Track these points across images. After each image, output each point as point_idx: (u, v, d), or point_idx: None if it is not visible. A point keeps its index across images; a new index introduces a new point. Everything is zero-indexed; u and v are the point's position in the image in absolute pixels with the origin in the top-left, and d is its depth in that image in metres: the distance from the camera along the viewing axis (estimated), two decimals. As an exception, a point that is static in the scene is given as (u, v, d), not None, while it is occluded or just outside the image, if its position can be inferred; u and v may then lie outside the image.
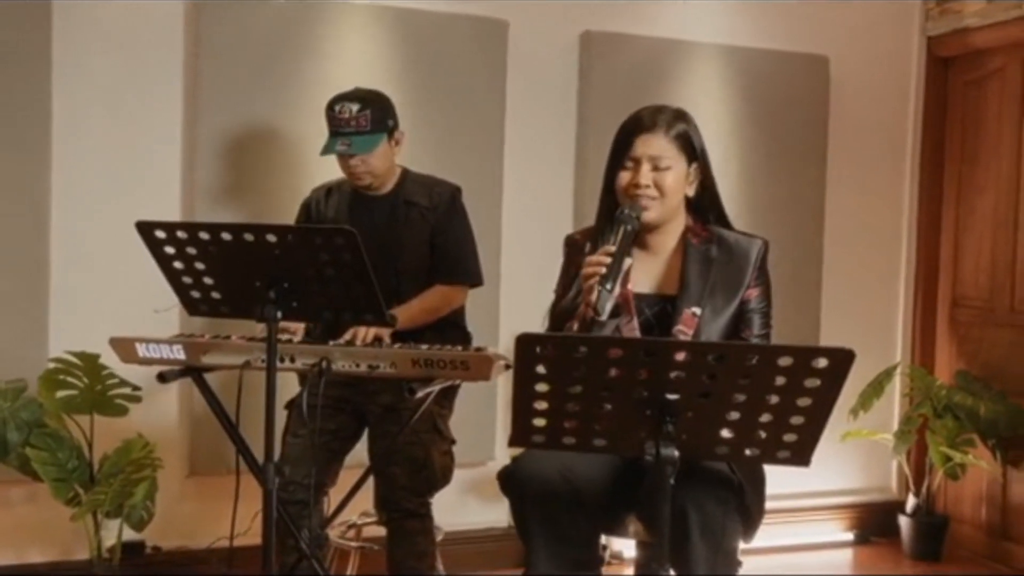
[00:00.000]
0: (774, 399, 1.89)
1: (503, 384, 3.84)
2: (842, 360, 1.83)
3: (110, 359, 2.99)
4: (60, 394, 3.38)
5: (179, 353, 2.74)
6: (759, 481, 2.39)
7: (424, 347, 2.73)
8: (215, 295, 2.55)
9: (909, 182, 4.83)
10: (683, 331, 2.38)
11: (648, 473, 2.02)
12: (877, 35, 4.73)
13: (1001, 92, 4.52)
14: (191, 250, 2.46)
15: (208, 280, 2.52)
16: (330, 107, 3.09)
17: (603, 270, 2.23)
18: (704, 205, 2.51)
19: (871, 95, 4.73)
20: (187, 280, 2.53)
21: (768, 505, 2.43)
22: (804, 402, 1.89)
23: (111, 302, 3.61)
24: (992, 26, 4.47)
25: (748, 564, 2.35)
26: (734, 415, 1.92)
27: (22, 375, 3.42)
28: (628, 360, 1.89)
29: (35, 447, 3.32)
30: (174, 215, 3.69)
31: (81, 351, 3.36)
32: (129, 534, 3.53)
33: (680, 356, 1.87)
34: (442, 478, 3.14)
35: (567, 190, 4.25)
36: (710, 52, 4.39)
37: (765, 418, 1.92)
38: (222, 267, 2.48)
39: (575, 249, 2.54)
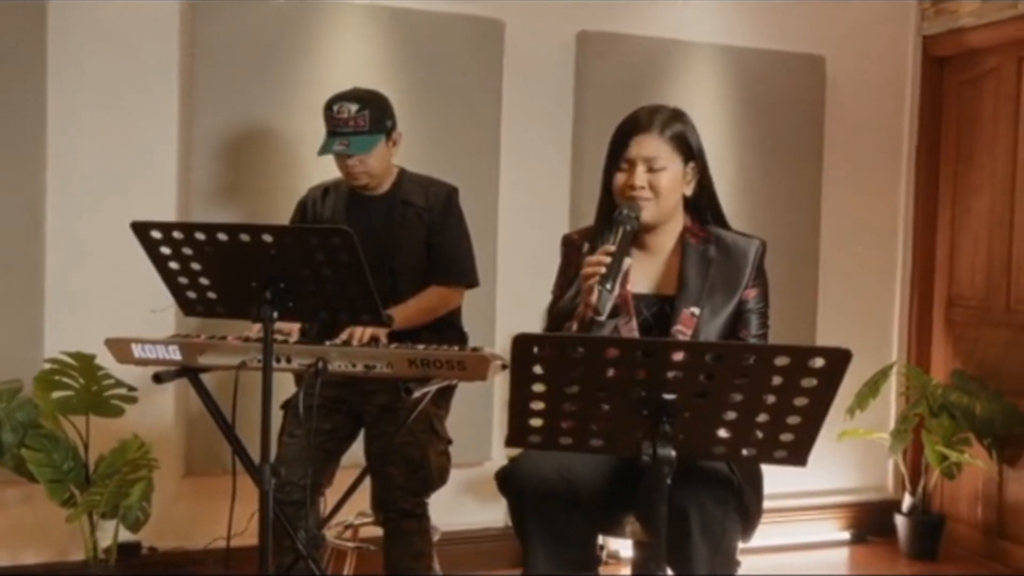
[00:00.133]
0: (771, 399, 1.89)
1: (500, 384, 3.84)
2: (839, 360, 1.83)
3: (106, 360, 2.99)
4: (56, 395, 3.37)
5: (175, 354, 2.74)
6: (757, 481, 2.39)
7: (420, 347, 2.73)
8: (211, 295, 2.54)
9: (905, 181, 4.84)
10: (682, 331, 2.38)
11: (646, 473, 2.02)
12: (873, 35, 4.73)
13: (996, 92, 4.52)
14: (187, 250, 2.45)
15: (204, 280, 2.51)
16: (328, 106, 3.08)
17: (603, 270, 2.23)
18: (702, 205, 2.51)
19: (867, 95, 4.74)
20: (183, 280, 2.52)
21: (765, 504, 2.43)
22: (801, 402, 1.89)
23: (107, 303, 3.61)
24: (987, 26, 4.47)
25: (745, 564, 2.36)
26: (731, 415, 1.92)
27: (17, 376, 3.41)
28: (625, 360, 1.89)
29: (30, 448, 3.31)
30: (170, 215, 3.69)
31: (77, 352, 3.35)
32: (125, 535, 3.52)
33: (677, 356, 1.87)
34: (439, 478, 3.14)
35: (564, 190, 4.25)
36: (706, 52, 4.39)
37: (762, 418, 1.92)
38: (218, 267, 2.48)
39: (572, 249, 2.54)
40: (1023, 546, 4.35)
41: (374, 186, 3.17)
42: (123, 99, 3.66)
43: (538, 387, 1.92)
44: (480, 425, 4.03)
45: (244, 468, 2.67)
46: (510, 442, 2.04)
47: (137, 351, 2.76)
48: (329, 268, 2.42)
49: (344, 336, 2.87)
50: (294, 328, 2.97)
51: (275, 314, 2.43)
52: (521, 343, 1.87)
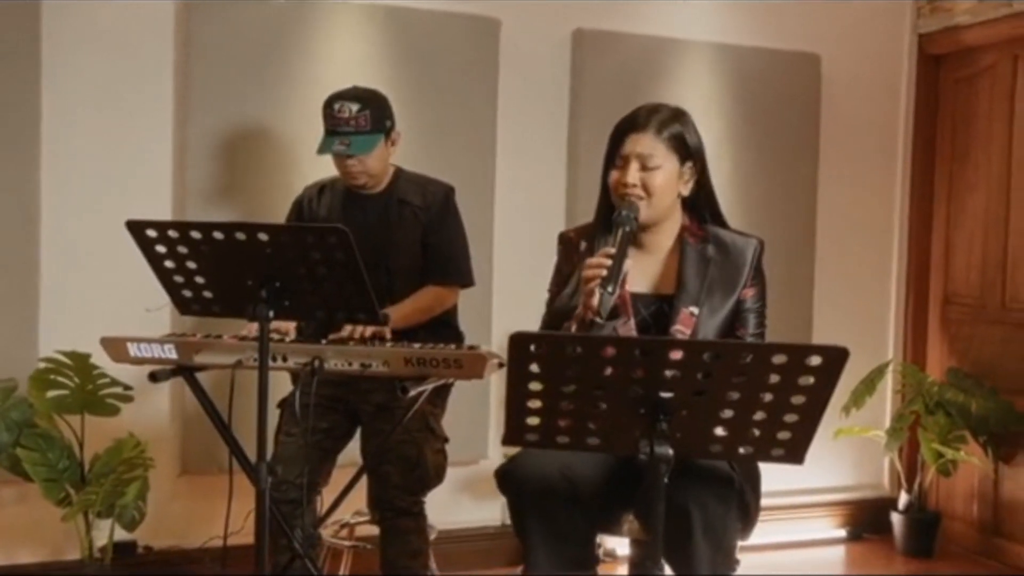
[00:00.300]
0: (768, 397, 1.89)
1: (496, 382, 3.83)
2: (836, 358, 1.83)
3: (101, 359, 2.97)
4: (51, 394, 3.37)
5: (171, 352, 2.73)
6: (755, 478, 2.39)
7: (417, 346, 2.72)
8: (207, 294, 2.54)
9: (901, 179, 4.84)
10: (681, 331, 2.38)
11: (646, 472, 2.02)
12: (868, 33, 4.73)
13: (992, 90, 4.53)
14: (182, 249, 2.44)
15: (199, 279, 2.51)
16: (328, 105, 3.07)
17: (604, 272, 2.22)
18: (700, 205, 2.51)
19: (862, 93, 4.74)
20: (178, 279, 2.52)
21: (761, 502, 2.43)
22: (798, 400, 1.89)
23: (102, 301, 3.60)
24: (983, 24, 4.48)
25: (742, 561, 2.36)
26: (728, 413, 1.92)
27: (12, 375, 3.40)
28: (622, 359, 1.88)
29: (25, 447, 3.31)
30: (165, 215, 3.68)
31: (72, 350, 3.34)
32: (121, 534, 3.52)
33: (675, 355, 1.86)
34: (435, 477, 3.13)
35: (559, 188, 4.25)
36: (702, 50, 4.39)
37: (759, 416, 1.92)
38: (214, 266, 2.47)
39: (569, 247, 2.54)
40: (1019, 543, 4.36)
41: (372, 185, 3.16)
42: (118, 99, 3.66)
43: (535, 386, 1.92)
44: (477, 423, 4.03)
45: (240, 467, 2.66)
46: (507, 441, 2.03)
47: (133, 350, 2.75)
48: (325, 267, 2.42)
49: (346, 333, 2.85)
50: (290, 327, 2.97)
51: (271, 313, 2.43)
52: (518, 342, 1.87)
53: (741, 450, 1.99)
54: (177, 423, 3.76)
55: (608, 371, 1.89)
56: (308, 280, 2.44)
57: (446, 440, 3.19)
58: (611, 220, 2.38)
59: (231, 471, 2.66)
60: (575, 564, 2.32)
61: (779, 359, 1.84)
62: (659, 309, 2.43)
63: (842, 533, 4.76)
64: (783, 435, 1.94)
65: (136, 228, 2.43)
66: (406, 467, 3.06)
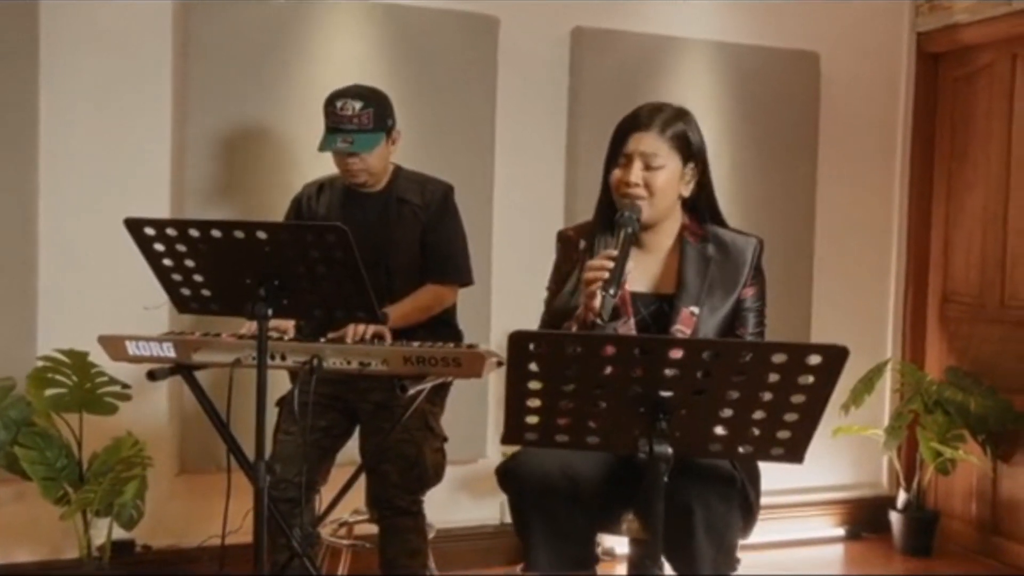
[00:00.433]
0: (767, 396, 1.89)
1: (495, 381, 3.83)
2: (835, 357, 1.83)
3: (99, 357, 2.97)
4: (49, 392, 3.36)
5: (169, 351, 2.73)
6: (756, 477, 2.39)
7: (416, 344, 2.72)
8: (205, 292, 2.53)
9: (899, 178, 4.84)
10: (681, 330, 2.38)
11: (646, 471, 2.02)
12: (867, 31, 4.73)
13: (990, 88, 4.53)
14: (180, 247, 2.44)
15: (198, 277, 2.50)
16: (330, 102, 3.05)
17: (605, 275, 2.21)
18: (700, 205, 2.50)
19: (861, 91, 4.74)
20: (176, 277, 2.51)
21: (761, 501, 2.43)
22: (798, 399, 1.89)
23: (100, 300, 3.59)
24: (981, 22, 4.48)
25: (741, 560, 2.36)
26: (728, 412, 1.92)
27: (10, 373, 3.40)
28: (622, 358, 1.88)
29: (24, 446, 3.30)
30: (164, 214, 3.67)
31: (70, 349, 3.34)
32: (119, 533, 3.52)
33: (675, 354, 1.86)
34: (434, 476, 3.13)
35: (558, 186, 4.24)
36: (701, 48, 4.39)
37: (759, 415, 1.92)
38: (212, 264, 2.47)
39: (568, 245, 2.54)
40: (1017, 542, 4.37)
41: (371, 184, 3.16)
42: (116, 98, 3.65)
43: (534, 384, 1.92)
44: (475, 422, 4.03)
45: (239, 465, 2.66)
46: (506, 440, 2.03)
47: (131, 348, 2.75)
48: (324, 265, 2.41)
49: (348, 339, 2.82)
50: (289, 325, 2.97)
51: (270, 311, 2.43)
52: (517, 340, 1.87)
53: (741, 449, 1.99)
54: (175, 422, 3.76)
55: (608, 370, 1.89)
56: (307, 278, 2.44)
57: (445, 439, 3.18)
58: (612, 219, 2.37)
59: (229, 470, 2.65)
60: (575, 562, 2.32)
61: (779, 358, 1.84)
62: (659, 309, 2.43)
63: (841, 532, 4.76)
64: (783, 434, 1.94)
65: (134, 226, 2.43)
66: (405, 466, 3.05)
